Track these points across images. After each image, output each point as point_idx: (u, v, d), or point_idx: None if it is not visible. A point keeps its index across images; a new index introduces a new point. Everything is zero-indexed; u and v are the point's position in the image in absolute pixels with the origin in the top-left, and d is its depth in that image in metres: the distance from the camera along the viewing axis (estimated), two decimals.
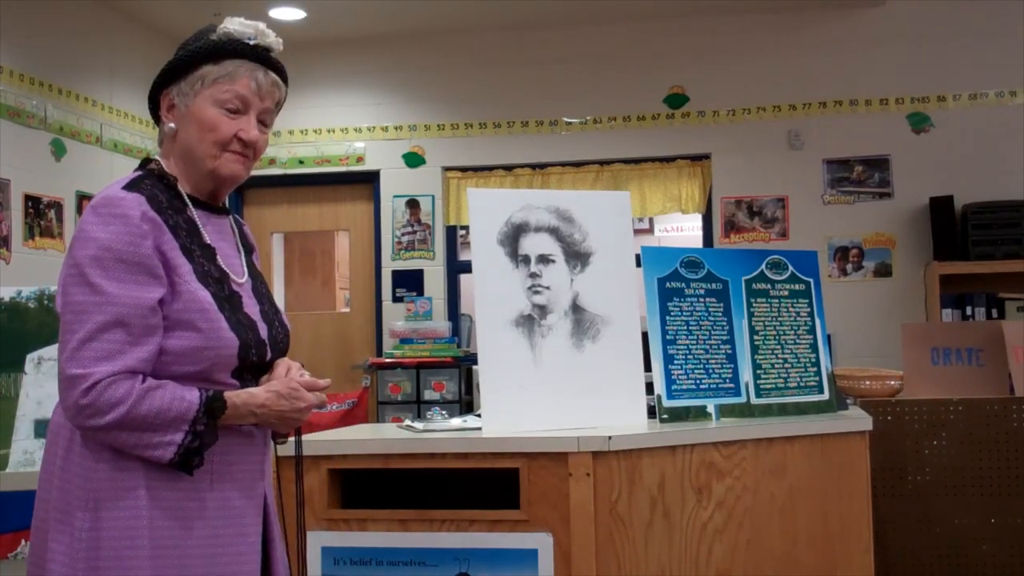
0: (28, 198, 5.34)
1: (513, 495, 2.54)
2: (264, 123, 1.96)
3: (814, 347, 3.22)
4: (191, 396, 1.77)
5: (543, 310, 2.81)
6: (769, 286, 3.18)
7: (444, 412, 3.12)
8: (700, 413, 2.95)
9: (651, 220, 8.31)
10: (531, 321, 2.79)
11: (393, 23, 6.47)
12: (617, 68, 6.49)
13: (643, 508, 2.61)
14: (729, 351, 3.06)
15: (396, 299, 6.64)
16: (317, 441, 2.62)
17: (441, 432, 2.78)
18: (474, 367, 5.48)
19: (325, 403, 1.95)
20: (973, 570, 3.76)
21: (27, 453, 2.82)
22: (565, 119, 6.56)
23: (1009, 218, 5.69)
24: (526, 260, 2.83)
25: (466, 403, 6.04)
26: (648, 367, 2.92)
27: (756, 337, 3.11)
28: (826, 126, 6.27)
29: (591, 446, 2.52)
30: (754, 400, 3.05)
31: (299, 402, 1.86)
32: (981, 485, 3.77)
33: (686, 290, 3.05)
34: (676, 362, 2.97)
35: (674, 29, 6.44)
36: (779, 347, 3.14)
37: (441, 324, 6.27)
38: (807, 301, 3.24)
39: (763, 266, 3.19)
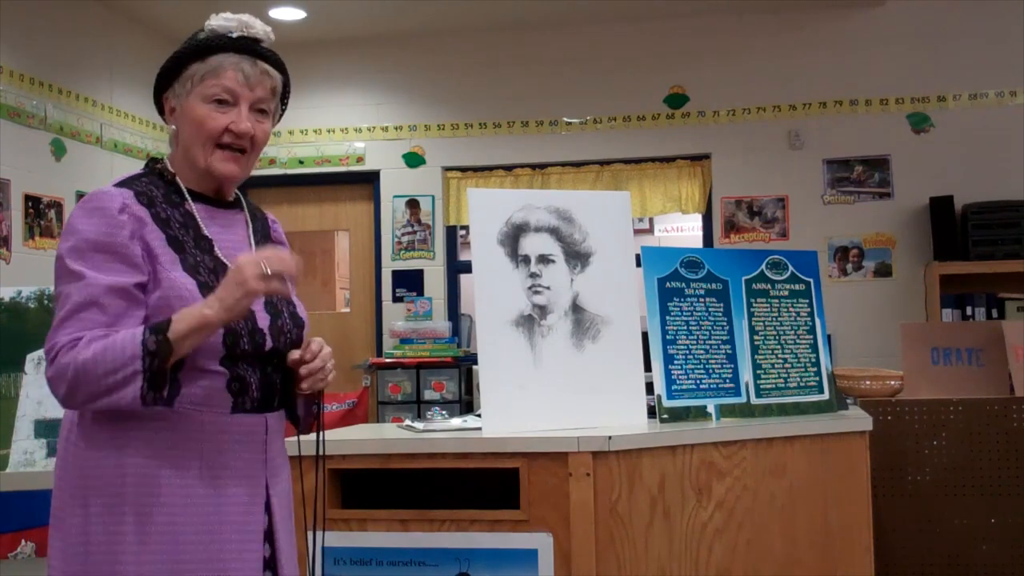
0: (28, 198, 5.35)
1: (513, 495, 2.54)
2: (262, 112, 1.98)
3: (814, 347, 3.22)
4: (135, 329, 1.77)
5: (543, 310, 2.81)
6: (769, 286, 3.18)
7: (444, 412, 3.13)
8: (700, 413, 2.96)
9: (651, 220, 8.31)
10: (531, 321, 2.79)
11: (393, 23, 6.47)
12: (617, 68, 6.49)
13: (643, 508, 2.61)
14: (729, 351, 3.06)
15: (396, 299, 6.64)
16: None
17: (441, 432, 2.78)
18: (474, 367, 5.49)
19: (285, 271, 1.82)
20: (973, 570, 3.76)
21: (27, 453, 2.82)
22: (565, 119, 6.56)
23: (1009, 218, 5.68)
24: (526, 260, 2.83)
25: (466, 403, 6.04)
26: (648, 367, 2.92)
27: (756, 337, 3.11)
28: (826, 126, 6.27)
29: (591, 446, 2.52)
30: (754, 400, 3.05)
31: (248, 268, 1.78)
32: (981, 485, 3.77)
33: (686, 290, 3.05)
34: (676, 362, 2.97)
35: (674, 29, 6.44)
36: (779, 347, 3.14)
37: (441, 324, 6.27)
38: (807, 301, 3.24)
39: (763, 266, 3.19)
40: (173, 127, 1.97)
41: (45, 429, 2.82)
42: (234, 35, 1.95)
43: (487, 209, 2.84)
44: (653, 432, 2.71)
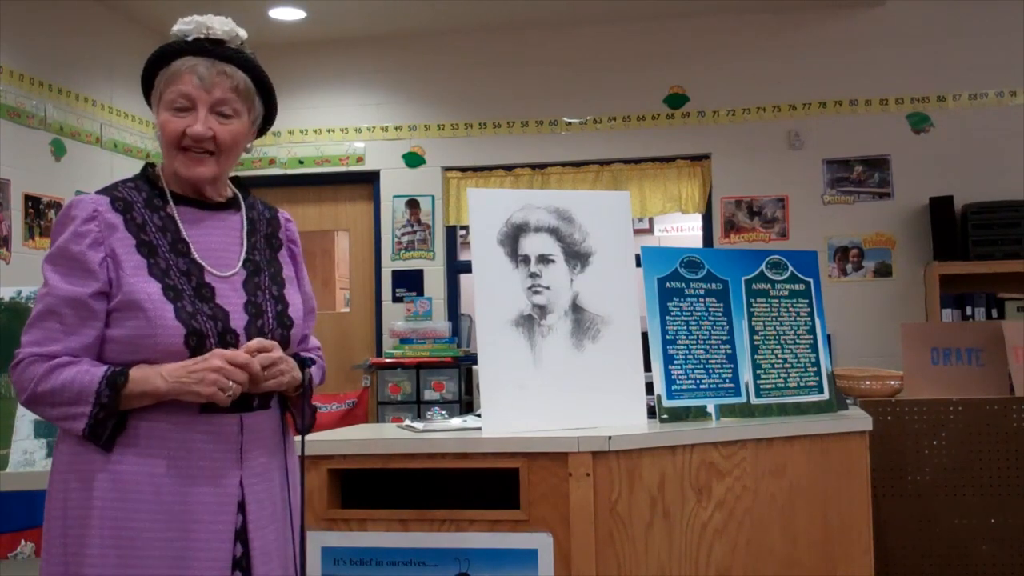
0: (28, 198, 5.35)
1: (513, 495, 2.54)
2: (224, 114, 1.98)
3: (814, 347, 3.22)
4: (96, 371, 1.86)
5: (543, 310, 2.81)
6: (769, 286, 3.18)
7: (444, 412, 3.13)
8: (700, 413, 2.96)
9: (651, 220, 8.31)
10: (531, 321, 2.79)
11: (393, 23, 6.47)
12: (617, 68, 6.49)
13: (643, 508, 2.61)
14: (729, 351, 3.06)
15: (396, 299, 6.64)
16: (317, 441, 2.62)
17: (441, 432, 2.78)
18: (474, 367, 5.48)
19: (255, 371, 1.88)
20: (973, 570, 3.76)
21: (27, 453, 2.82)
22: (565, 119, 6.56)
23: (1009, 218, 5.68)
24: (526, 260, 2.83)
25: (466, 403, 6.04)
26: (648, 367, 2.92)
27: (756, 337, 3.11)
28: (826, 126, 6.27)
29: (591, 446, 2.52)
30: (754, 400, 3.05)
31: (211, 359, 1.85)
32: (981, 485, 3.77)
33: (686, 290, 3.05)
34: (676, 362, 2.97)
35: (674, 29, 6.44)
36: (779, 347, 3.14)
37: (441, 324, 6.27)
38: (807, 301, 3.24)
39: (763, 266, 3.19)
40: (157, 134, 2.02)
41: (45, 429, 2.82)
42: (190, 38, 1.98)
43: (487, 209, 2.84)
44: (653, 432, 2.71)
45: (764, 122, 6.34)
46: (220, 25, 1.99)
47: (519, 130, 6.61)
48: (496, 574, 2.52)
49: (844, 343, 5.93)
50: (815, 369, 3.20)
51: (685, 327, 3.02)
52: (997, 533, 3.75)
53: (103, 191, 1.97)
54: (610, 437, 2.55)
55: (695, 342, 3.02)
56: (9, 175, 5.22)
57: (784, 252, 3.26)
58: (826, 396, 3.20)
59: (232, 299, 1.96)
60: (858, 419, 3.13)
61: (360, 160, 6.78)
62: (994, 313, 5.70)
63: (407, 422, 2.98)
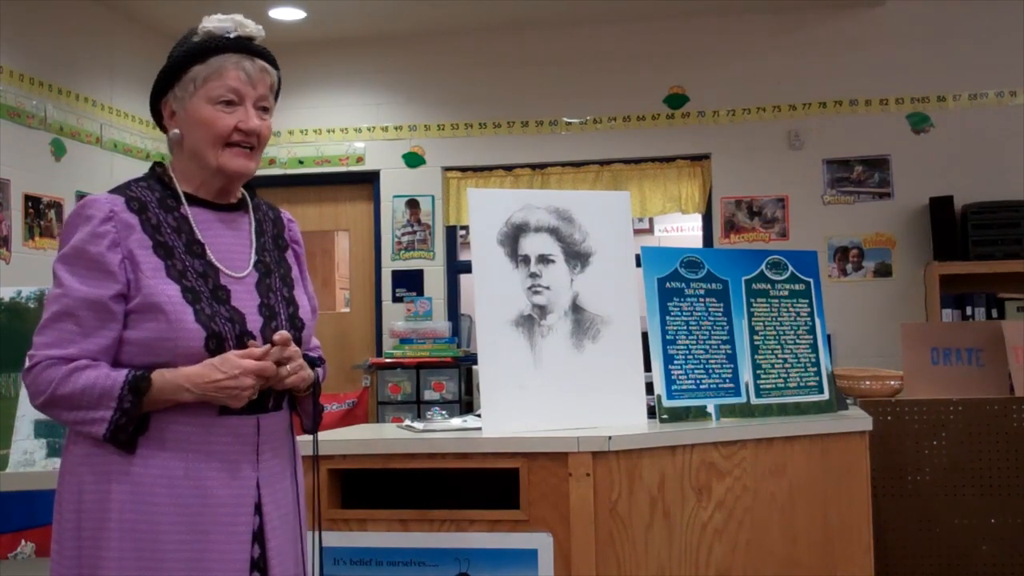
0: (28, 198, 5.35)
1: (513, 495, 2.54)
2: (264, 109, 2.00)
3: (814, 347, 3.22)
4: (117, 375, 1.84)
5: (543, 310, 2.81)
6: (769, 286, 3.18)
7: (444, 412, 3.13)
8: (700, 413, 2.96)
9: (651, 220, 8.31)
10: (531, 321, 2.79)
11: (393, 23, 6.47)
12: (617, 68, 6.49)
13: (643, 508, 2.61)
14: (729, 351, 3.06)
15: (396, 299, 6.64)
16: (318, 441, 2.62)
17: (441, 432, 2.78)
18: (474, 367, 5.48)
19: (274, 373, 1.90)
20: (973, 570, 3.76)
21: (27, 453, 2.82)
22: (565, 119, 6.56)
23: (1009, 218, 5.68)
24: (526, 260, 2.83)
25: (466, 403, 6.04)
26: (648, 367, 2.92)
27: (756, 337, 3.11)
28: (826, 126, 6.27)
29: (591, 446, 2.52)
30: (754, 400, 3.05)
31: (233, 369, 1.85)
32: (981, 485, 3.77)
33: (686, 290, 3.05)
34: (676, 362, 2.97)
35: (674, 29, 6.44)
36: (779, 347, 3.14)
37: (441, 324, 6.27)
38: (807, 301, 3.24)
39: (763, 266, 3.19)
40: (176, 131, 1.99)
41: (45, 429, 2.82)
42: (232, 35, 1.97)
43: (487, 209, 2.84)
44: (653, 432, 2.71)
45: (764, 122, 6.34)
46: (252, 25, 2.00)
47: (519, 130, 6.61)
48: (496, 574, 2.52)
49: (844, 343, 5.93)
50: (815, 369, 3.20)
51: (685, 327, 3.02)
52: (997, 533, 3.75)
53: (116, 191, 1.95)
54: (610, 437, 2.55)
55: (695, 342, 3.02)
56: (9, 175, 5.22)
57: (784, 252, 3.26)
58: (826, 396, 3.20)
59: (247, 301, 1.96)
60: (858, 419, 3.13)
61: (360, 160, 6.77)
62: (994, 313, 5.70)
63: (407, 422, 2.98)
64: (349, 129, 6.79)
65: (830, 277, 6.14)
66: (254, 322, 1.95)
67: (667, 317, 3.00)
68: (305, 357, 2.02)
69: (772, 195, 6.31)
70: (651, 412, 2.91)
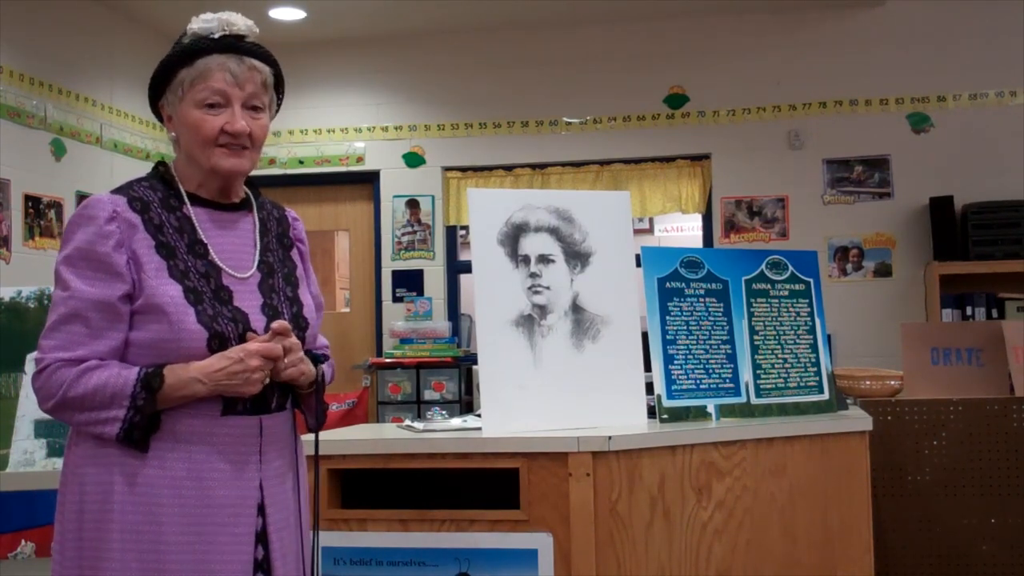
0: (28, 198, 5.34)
1: (513, 495, 2.54)
2: (256, 108, 1.98)
3: (814, 347, 3.22)
4: (128, 373, 1.83)
5: (543, 310, 2.81)
6: (769, 286, 3.18)
7: (444, 412, 3.12)
8: (700, 413, 2.95)
9: (651, 220, 8.31)
10: (531, 321, 2.79)
11: (393, 23, 6.47)
12: (617, 68, 6.49)
13: (643, 508, 2.61)
14: (729, 351, 3.06)
15: (396, 299, 6.64)
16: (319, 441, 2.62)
17: (441, 432, 2.78)
18: (474, 367, 5.48)
19: (280, 356, 1.90)
20: (973, 570, 3.76)
21: (27, 453, 2.82)
22: (565, 119, 6.56)
23: (1009, 218, 5.68)
24: (526, 260, 2.83)
25: (466, 403, 6.03)
26: (648, 367, 2.92)
27: (756, 337, 3.11)
28: (826, 126, 6.27)
29: (591, 446, 2.52)
30: (754, 400, 3.05)
31: (248, 359, 1.86)
32: (981, 485, 3.77)
33: (686, 290, 3.05)
34: (676, 362, 2.97)
35: (674, 29, 6.44)
36: (779, 347, 3.14)
37: (441, 324, 6.27)
38: (807, 301, 3.24)
39: (763, 266, 3.19)
40: (173, 135, 1.99)
41: (45, 429, 2.82)
42: (216, 35, 1.95)
43: (487, 209, 2.84)
44: (653, 432, 2.71)
45: (764, 122, 6.34)
46: (241, 21, 1.98)
47: (519, 130, 6.61)
48: (496, 574, 2.52)
49: (844, 343, 5.93)
50: (815, 369, 3.20)
51: (685, 327, 3.02)
52: (997, 533, 3.75)
53: (118, 191, 1.94)
54: (610, 437, 2.55)
55: (695, 342, 3.02)
56: (9, 175, 5.22)
57: (784, 252, 3.26)
58: (826, 396, 3.20)
59: (249, 301, 1.96)
60: (858, 419, 3.13)
61: (360, 160, 6.78)
62: (994, 313, 5.70)
63: (407, 422, 2.98)
64: (349, 129, 6.79)
65: (830, 277, 6.14)
66: (257, 322, 1.94)
67: (667, 317, 3.00)
68: (310, 354, 2.02)
69: (772, 195, 6.31)
70: (651, 412, 2.91)
